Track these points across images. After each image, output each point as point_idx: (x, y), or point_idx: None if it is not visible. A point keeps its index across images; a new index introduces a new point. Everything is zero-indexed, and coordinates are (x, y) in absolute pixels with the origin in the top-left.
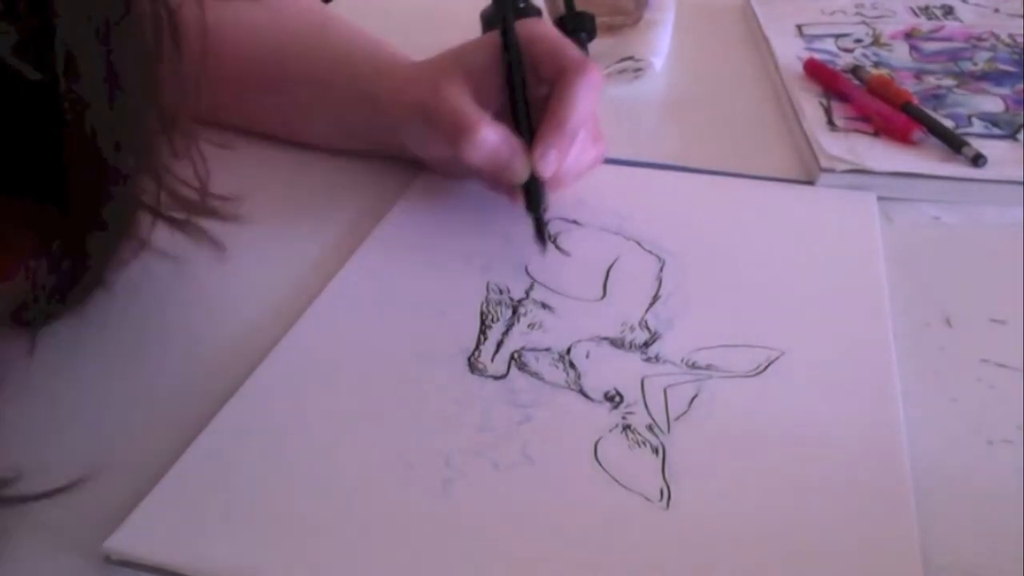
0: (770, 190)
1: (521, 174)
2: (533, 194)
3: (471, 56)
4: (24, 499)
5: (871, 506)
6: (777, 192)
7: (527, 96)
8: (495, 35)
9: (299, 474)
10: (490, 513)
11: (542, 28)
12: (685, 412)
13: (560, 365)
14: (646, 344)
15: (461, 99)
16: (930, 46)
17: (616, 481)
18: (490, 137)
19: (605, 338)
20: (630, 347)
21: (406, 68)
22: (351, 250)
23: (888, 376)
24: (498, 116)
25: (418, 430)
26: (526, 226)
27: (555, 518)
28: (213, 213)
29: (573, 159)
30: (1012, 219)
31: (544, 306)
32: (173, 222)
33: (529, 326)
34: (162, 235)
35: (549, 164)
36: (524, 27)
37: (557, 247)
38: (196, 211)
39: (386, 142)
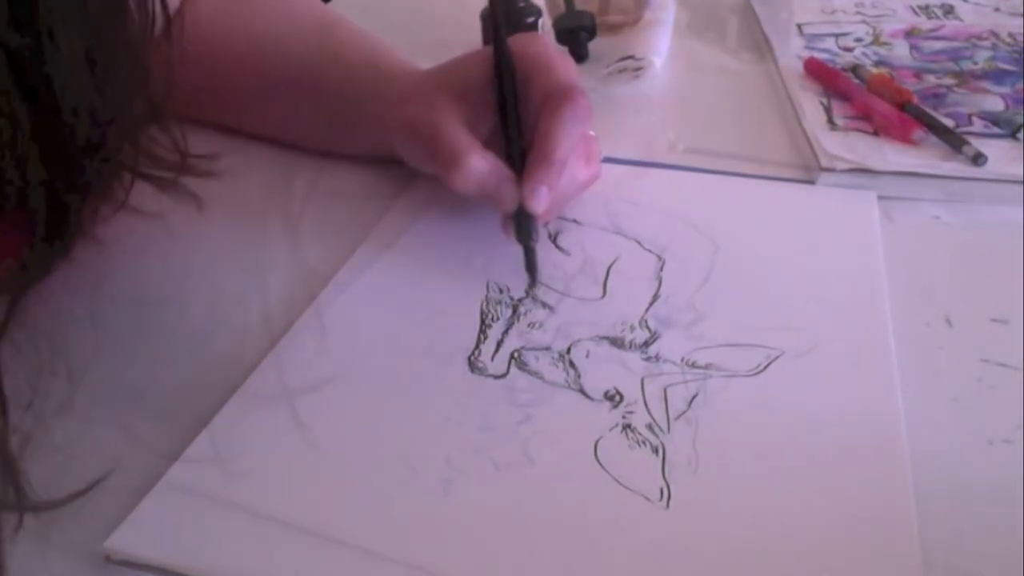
0: (770, 189)
1: (510, 205)
2: (523, 225)
3: (467, 73)
4: (37, 507)
5: (871, 506)
6: (777, 191)
7: (519, 116)
8: (491, 50)
9: (299, 474)
10: (490, 513)
11: (536, 45)
12: (685, 412)
13: (560, 364)
14: (646, 343)
15: (452, 125)
16: (930, 45)
17: (616, 481)
18: (478, 167)
19: (605, 337)
20: (630, 347)
21: (406, 79)
22: (351, 250)
23: (888, 376)
24: (493, 135)
25: (418, 429)
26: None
27: (555, 518)
28: (192, 171)
29: (564, 186)
30: (1012, 219)
31: (544, 305)
32: (152, 180)
33: (529, 325)
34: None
35: (539, 200)
36: (518, 43)
37: (557, 246)
38: (175, 169)
39: (382, 149)
